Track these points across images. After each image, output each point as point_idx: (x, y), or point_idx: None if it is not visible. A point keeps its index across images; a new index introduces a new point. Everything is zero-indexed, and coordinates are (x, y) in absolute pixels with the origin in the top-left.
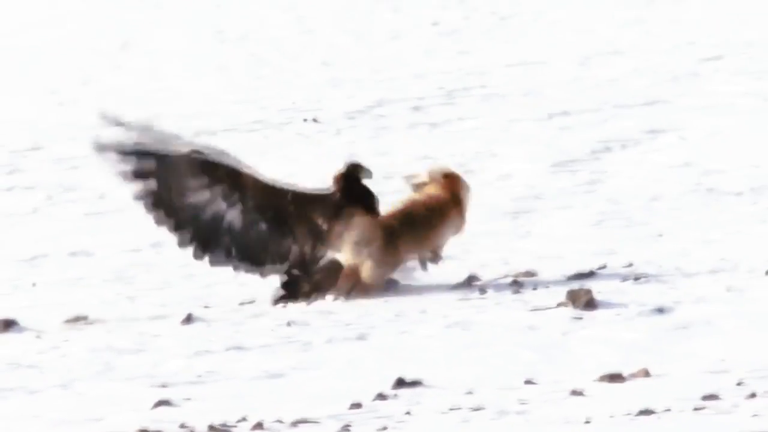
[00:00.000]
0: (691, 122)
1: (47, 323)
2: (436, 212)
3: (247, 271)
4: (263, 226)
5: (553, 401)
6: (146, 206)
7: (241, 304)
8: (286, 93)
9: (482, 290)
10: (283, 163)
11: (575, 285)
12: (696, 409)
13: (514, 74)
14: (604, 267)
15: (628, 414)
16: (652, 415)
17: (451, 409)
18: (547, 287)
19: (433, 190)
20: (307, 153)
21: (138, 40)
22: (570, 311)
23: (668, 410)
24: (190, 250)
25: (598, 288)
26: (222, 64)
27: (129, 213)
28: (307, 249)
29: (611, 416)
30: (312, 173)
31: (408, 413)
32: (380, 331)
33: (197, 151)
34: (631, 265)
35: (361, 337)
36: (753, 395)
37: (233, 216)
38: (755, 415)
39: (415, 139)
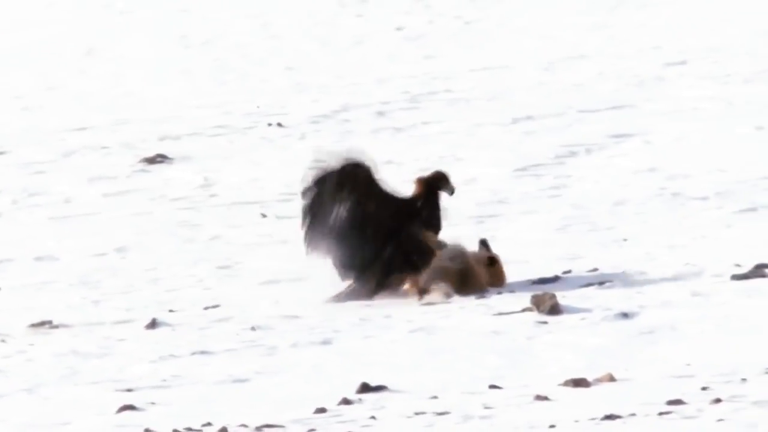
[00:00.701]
0: (657, 127)
1: (12, 327)
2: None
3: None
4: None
5: (517, 406)
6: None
7: (206, 308)
8: (250, 98)
9: (447, 295)
10: (248, 168)
11: (540, 290)
12: (661, 413)
13: (478, 79)
14: (568, 272)
15: (593, 419)
16: (617, 420)
17: (415, 414)
18: (512, 292)
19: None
20: (271, 157)
21: (102, 45)
22: (535, 316)
23: (633, 415)
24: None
25: (562, 293)
26: (187, 69)
27: (94, 217)
28: (384, 250)
29: (576, 421)
30: (276, 177)
31: (373, 418)
32: (345, 336)
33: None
34: (596, 269)
35: (326, 342)
36: (718, 400)
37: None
38: (720, 420)
39: (380, 144)
